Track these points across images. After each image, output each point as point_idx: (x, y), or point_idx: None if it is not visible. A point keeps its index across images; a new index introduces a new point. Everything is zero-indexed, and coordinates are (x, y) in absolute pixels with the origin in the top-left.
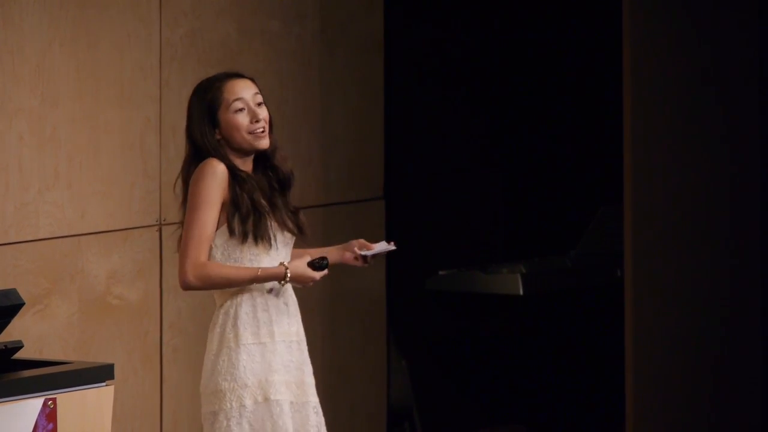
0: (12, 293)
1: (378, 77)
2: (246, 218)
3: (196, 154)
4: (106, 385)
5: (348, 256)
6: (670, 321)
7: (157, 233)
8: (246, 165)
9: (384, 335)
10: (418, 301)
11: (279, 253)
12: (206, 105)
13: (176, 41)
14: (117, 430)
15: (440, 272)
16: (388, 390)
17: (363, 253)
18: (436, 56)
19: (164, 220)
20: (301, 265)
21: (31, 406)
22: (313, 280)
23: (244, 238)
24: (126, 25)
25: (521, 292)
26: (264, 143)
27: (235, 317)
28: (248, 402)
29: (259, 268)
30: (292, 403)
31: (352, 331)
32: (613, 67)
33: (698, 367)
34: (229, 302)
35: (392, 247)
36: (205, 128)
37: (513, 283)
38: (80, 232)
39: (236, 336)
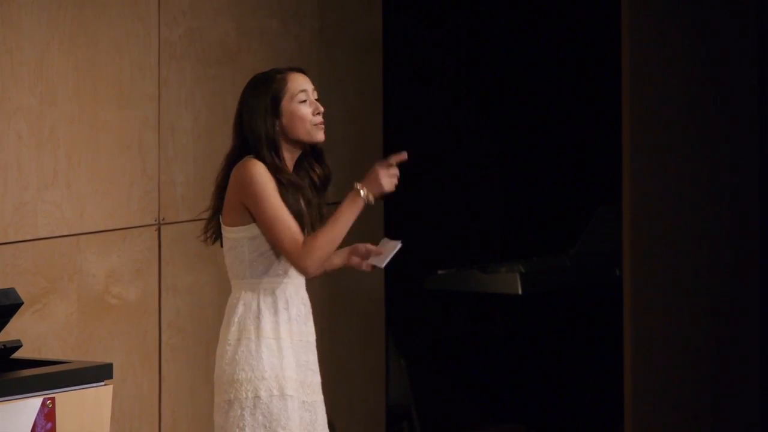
0: (11, 292)
1: (377, 77)
2: None
3: (245, 147)
4: (105, 385)
5: (355, 260)
6: (670, 321)
7: (156, 232)
8: (292, 159)
9: (383, 335)
10: (417, 300)
11: None
12: (270, 96)
13: (175, 40)
14: (116, 429)
15: (439, 272)
16: (386, 389)
17: (375, 263)
18: (435, 56)
19: (163, 220)
20: (368, 176)
21: (30, 405)
22: (381, 175)
23: None
24: (125, 25)
25: (520, 292)
26: (322, 136)
27: (258, 311)
28: (263, 394)
29: (346, 205)
30: (304, 402)
31: (351, 331)
32: (612, 67)
33: (698, 367)
34: (250, 295)
35: (399, 245)
36: (267, 118)
37: (512, 282)
38: (79, 232)
39: (257, 329)
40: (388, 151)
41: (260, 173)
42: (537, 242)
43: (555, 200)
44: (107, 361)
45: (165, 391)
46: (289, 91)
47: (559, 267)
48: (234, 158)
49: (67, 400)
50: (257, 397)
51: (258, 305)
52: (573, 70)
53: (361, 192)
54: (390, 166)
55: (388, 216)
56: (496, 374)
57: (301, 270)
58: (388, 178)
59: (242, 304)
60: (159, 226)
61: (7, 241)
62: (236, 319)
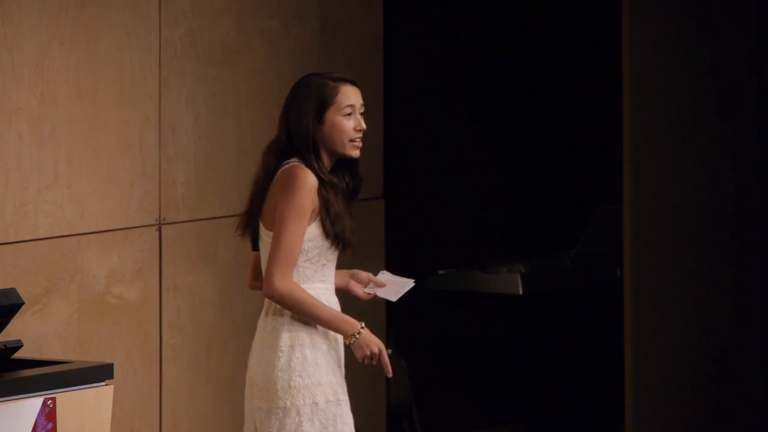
0: (11, 293)
1: (378, 77)
2: (335, 221)
3: (289, 144)
4: (106, 385)
5: (353, 285)
6: (670, 321)
7: (157, 232)
8: (329, 165)
9: (384, 335)
10: (417, 300)
11: (335, 262)
12: (318, 101)
13: (176, 41)
14: (116, 429)
15: (440, 272)
16: (387, 390)
17: (385, 297)
18: (436, 56)
19: (164, 220)
20: (375, 337)
21: (31, 405)
22: (372, 352)
23: (333, 239)
24: (125, 25)
25: (521, 292)
26: (357, 153)
27: None
28: (320, 400)
29: (339, 313)
30: (348, 403)
31: None
32: (613, 67)
33: (698, 367)
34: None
35: (411, 284)
36: (311, 121)
37: (512, 282)
38: (79, 232)
39: (311, 335)
40: (388, 150)
41: (308, 190)
42: (537, 242)
43: (555, 200)
44: (108, 361)
45: (165, 391)
46: (336, 102)
47: (559, 267)
48: (277, 151)
49: (67, 400)
50: (315, 403)
51: None
52: (574, 70)
53: (354, 336)
54: (383, 362)
55: (389, 216)
56: (497, 374)
57: (267, 286)
58: (368, 360)
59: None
60: (160, 226)
61: (8, 241)
62: (286, 326)
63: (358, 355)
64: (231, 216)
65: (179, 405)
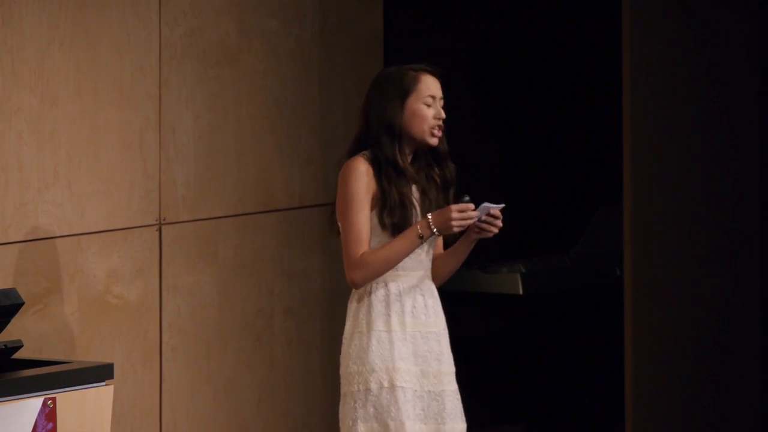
0: (11, 293)
1: None
2: (393, 211)
3: (368, 134)
4: (106, 385)
5: (473, 236)
6: (670, 321)
7: (157, 233)
8: (409, 154)
9: None
10: None
11: (422, 247)
12: (400, 89)
13: (175, 41)
14: (116, 429)
15: None
16: None
17: (476, 222)
18: (436, 57)
19: (164, 220)
20: (440, 212)
21: (31, 405)
22: (452, 217)
23: (390, 230)
24: (125, 25)
25: (521, 292)
26: (435, 141)
27: (369, 304)
28: (373, 386)
29: (404, 232)
30: (429, 392)
31: None
32: (613, 67)
33: (698, 367)
34: (362, 288)
35: (500, 206)
36: (394, 108)
37: (512, 282)
38: (80, 232)
39: (368, 323)
40: None
41: (357, 177)
42: (537, 242)
43: (555, 200)
44: (108, 361)
45: (165, 391)
46: (417, 90)
47: (560, 267)
48: (358, 141)
49: (67, 400)
50: (368, 389)
51: (369, 299)
52: (574, 70)
53: (432, 228)
54: (465, 209)
55: None
56: (497, 374)
57: (348, 280)
58: (459, 221)
59: (356, 299)
60: (160, 226)
61: (8, 241)
62: (351, 315)
63: (454, 231)
64: (231, 216)
65: (179, 405)
